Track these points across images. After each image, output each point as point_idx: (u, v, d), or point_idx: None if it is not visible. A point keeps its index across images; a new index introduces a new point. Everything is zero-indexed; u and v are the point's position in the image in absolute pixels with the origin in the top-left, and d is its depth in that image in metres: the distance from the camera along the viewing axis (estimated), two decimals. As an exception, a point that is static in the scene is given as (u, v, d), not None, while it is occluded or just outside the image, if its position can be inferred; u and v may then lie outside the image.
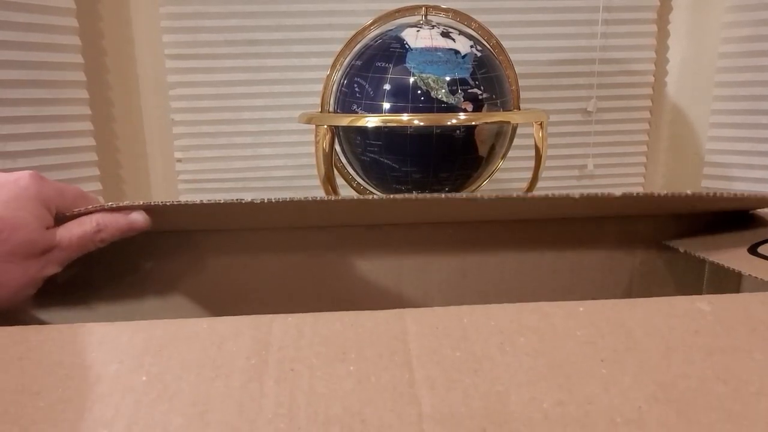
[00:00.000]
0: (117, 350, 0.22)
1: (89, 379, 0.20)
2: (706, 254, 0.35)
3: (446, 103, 0.59)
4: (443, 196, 0.31)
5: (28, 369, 0.21)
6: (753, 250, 0.34)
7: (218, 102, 0.88)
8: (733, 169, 0.91)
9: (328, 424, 0.19)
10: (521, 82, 0.70)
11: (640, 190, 0.49)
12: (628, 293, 0.41)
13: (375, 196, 0.33)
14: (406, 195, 0.32)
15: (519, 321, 0.23)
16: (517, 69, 0.69)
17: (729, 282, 0.40)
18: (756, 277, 0.30)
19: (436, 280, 0.41)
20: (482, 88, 0.61)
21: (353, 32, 0.67)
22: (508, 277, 0.41)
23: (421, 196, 0.31)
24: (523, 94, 0.72)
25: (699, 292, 0.42)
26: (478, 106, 0.60)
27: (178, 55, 0.86)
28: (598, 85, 0.93)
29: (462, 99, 0.59)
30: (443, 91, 0.59)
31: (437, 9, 0.67)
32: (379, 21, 0.67)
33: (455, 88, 0.59)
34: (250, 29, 0.86)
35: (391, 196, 0.32)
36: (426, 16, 0.67)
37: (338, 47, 0.67)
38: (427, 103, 0.59)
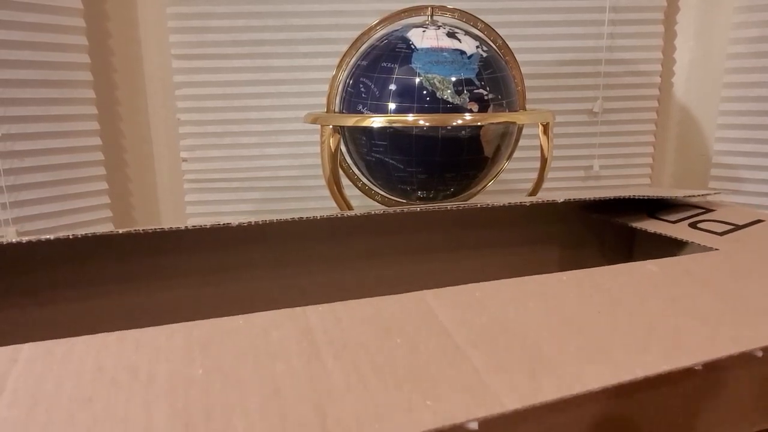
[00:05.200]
0: (158, 351, 0.22)
1: (140, 379, 0.20)
2: (608, 218, 0.45)
3: (452, 103, 0.59)
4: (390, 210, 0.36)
5: (66, 377, 0.20)
6: (652, 215, 0.45)
7: (224, 102, 0.88)
8: (740, 170, 0.91)
9: (400, 385, 0.21)
10: (527, 83, 0.70)
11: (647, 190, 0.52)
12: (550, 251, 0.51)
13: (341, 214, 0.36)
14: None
15: (522, 290, 0.27)
16: (523, 69, 0.69)
17: (624, 237, 0.52)
18: (646, 230, 0.42)
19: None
20: (488, 88, 0.60)
21: (359, 32, 0.67)
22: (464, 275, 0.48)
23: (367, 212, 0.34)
24: (529, 95, 0.71)
25: (602, 246, 0.53)
26: (483, 106, 0.60)
27: (185, 55, 0.86)
28: (605, 85, 0.93)
29: (468, 99, 0.59)
30: (449, 91, 0.59)
31: (443, 9, 0.67)
32: (384, 21, 0.67)
33: (461, 88, 0.59)
34: (257, 29, 0.86)
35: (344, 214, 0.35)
36: (432, 16, 0.67)
37: (344, 47, 0.67)
38: (433, 104, 0.59)
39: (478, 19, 0.68)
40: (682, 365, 0.23)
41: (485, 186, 0.72)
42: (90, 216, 0.82)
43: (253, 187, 0.91)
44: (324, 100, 0.68)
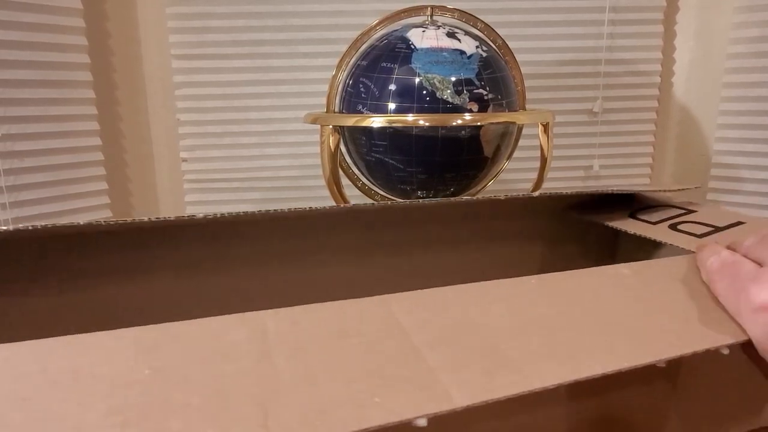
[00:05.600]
0: (105, 354, 0.21)
1: (81, 380, 0.20)
2: (595, 218, 0.45)
3: (452, 103, 0.59)
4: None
5: (7, 379, 0.20)
6: (633, 215, 0.45)
7: (224, 102, 0.88)
8: (740, 170, 0.91)
9: (351, 383, 0.21)
10: (527, 83, 0.70)
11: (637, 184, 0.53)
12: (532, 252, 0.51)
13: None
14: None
15: (487, 294, 0.27)
16: (523, 69, 0.69)
17: (608, 237, 0.52)
18: (632, 233, 0.41)
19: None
20: (488, 88, 0.60)
21: (359, 32, 0.67)
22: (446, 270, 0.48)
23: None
24: (528, 95, 0.71)
25: (590, 246, 0.53)
26: (483, 106, 0.60)
27: (185, 55, 0.86)
28: (605, 85, 0.93)
29: (467, 99, 0.59)
30: (449, 91, 0.59)
31: (443, 9, 0.67)
32: (384, 21, 0.67)
33: (461, 88, 0.59)
34: (257, 29, 0.86)
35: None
36: (431, 16, 0.67)
37: (344, 47, 0.67)
38: (433, 104, 0.59)
39: (478, 19, 0.68)
40: (644, 362, 0.23)
41: (485, 186, 0.72)
42: (90, 216, 0.82)
43: (253, 187, 0.91)
44: (324, 100, 0.68)
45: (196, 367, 0.21)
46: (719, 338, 0.25)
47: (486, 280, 0.47)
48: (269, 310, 0.24)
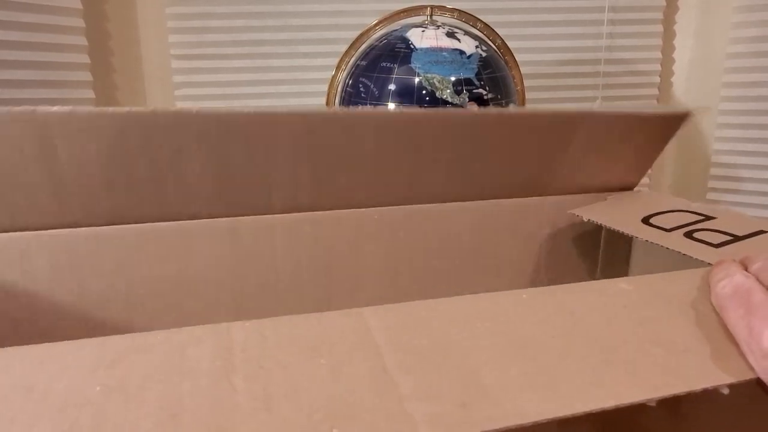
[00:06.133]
0: (62, 368, 0.20)
1: (33, 397, 0.19)
2: (604, 222, 0.43)
3: (451, 103, 0.59)
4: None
5: None
6: (646, 221, 0.42)
7: (224, 102, 0.88)
8: (740, 169, 0.91)
9: (311, 410, 0.19)
10: (527, 83, 0.70)
11: (646, 190, 0.51)
12: (537, 255, 0.48)
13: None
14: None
15: (473, 310, 0.25)
16: (523, 69, 0.69)
17: (621, 245, 0.49)
18: (644, 240, 0.38)
19: (365, 260, 0.43)
20: (487, 88, 0.60)
21: (358, 32, 0.67)
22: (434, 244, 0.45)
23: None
24: (528, 95, 0.71)
25: (596, 252, 0.50)
26: (483, 106, 0.60)
27: (184, 55, 0.86)
28: (604, 85, 0.93)
29: (467, 99, 0.59)
30: (448, 91, 0.59)
31: (442, 9, 0.67)
32: (384, 21, 0.67)
33: (460, 88, 0.59)
34: (256, 30, 0.86)
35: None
36: (431, 16, 0.67)
37: (344, 47, 0.67)
38: (432, 103, 0.59)
39: (478, 19, 0.68)
40: (633, 400, 0.21)
41: (485, 186, 0.72)
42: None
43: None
44: (323, 100, 0.68)
45: (153, 385, 0.20)
46: (720, 376, 0.23)
47: (486, 281, 0.45)
48: (238, 322, 0.23)
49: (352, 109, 0.36)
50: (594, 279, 0.51)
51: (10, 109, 0.30)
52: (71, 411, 0.19)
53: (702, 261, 0.34)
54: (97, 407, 0.19)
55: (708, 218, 0.41)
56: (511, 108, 0.41)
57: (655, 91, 0.95)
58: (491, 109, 0.41)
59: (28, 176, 0.33)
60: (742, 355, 0.24)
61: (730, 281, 0.27)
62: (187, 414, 0.19)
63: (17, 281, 0.35)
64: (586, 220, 0.44)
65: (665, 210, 0.44)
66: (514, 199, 0.46)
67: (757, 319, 0.24)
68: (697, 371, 0.23)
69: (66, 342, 0.22)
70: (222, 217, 0.39)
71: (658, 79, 0.94)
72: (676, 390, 0.22)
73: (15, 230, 0.35)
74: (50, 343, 0.21)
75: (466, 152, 0.41)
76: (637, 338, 0.24)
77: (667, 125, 0.47)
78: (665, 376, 0.22)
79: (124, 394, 0.19)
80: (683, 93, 0.97)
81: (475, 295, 0.26)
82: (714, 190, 0.93)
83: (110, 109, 0.32)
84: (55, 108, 0.31)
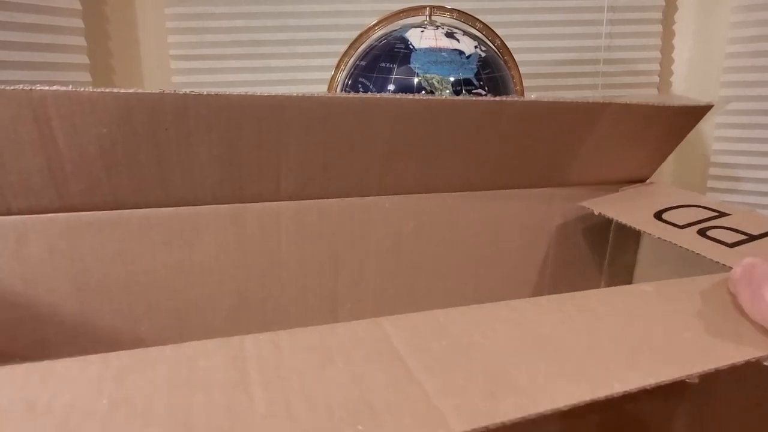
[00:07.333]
0: (67, 383, 0.20)
1: (35, 412, 0.18)
2: (615, 215, 0.42)
3: (450, 103, 0.59)
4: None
5: None
6: (658, 216, 0.41)
7: (223, 102, 0.88)
8: (739, 169, 0.91)
9: (333, 411, 0.19)
10: (526, 83, 0.70)
11: (659, 182, 0.50)
12: (546, 246, 0.47)
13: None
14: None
15: (492, 315, 0.25)
16: (522, 69, 0.69)
17: (630, 239, 0.48)
18: (654, 235, 0.38)
19: (373, 250, 0.42)
20: (487, 88, 0.60)
21: (358, 33, 0.67)
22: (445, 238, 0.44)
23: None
24: (527, 95, 0.71)
25: (605, 245, 0.50)
26: (482, 106, 0.60)
27: (184, 55, 0.86)
28: (603, 85, 0.93)
29: (466, 99, 0.59)
30: (447, 91, 0.59)
31: (442, 9, 0.67)
32: (383, 21, 0.67)
33: (459, 88, 0.59)
34: (255, 30, 0.86)
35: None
36: (430, 16, 0.67)
37: (343, 48, 0.67)
38: (432, 104, 0.59)
39: (477, 19, 0.68)
40: (674, 377, 0.21)
41: (484, 186, 0.72)
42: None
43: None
44: (323, 101, 0.68)
45: (162, 397, 0.19)
46: (751, 353, 0.23)
47: (490, 278, 0.44)
48: (250, 335, 0.22)
49: (368, 94, 0.35)
50: (601, 272, 0.51)
51: (4, 89, 0.29)
52: (74, 426, 0.18)
53: (716, 262, 0.33)
54: (103, 421, 0.18)
55: (722, 215, 0.40)
56: (534, 96, 0.40)
57: (654, 91, 0.95)
58: (512, 98, 0.40)
59: (25, 158, 0.32)
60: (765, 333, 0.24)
61: (740, 264, 0.27)
62: (200, 422, 0.18)
63: (13, 267, 0.34)
64: (597, 213, 0.43)
65: (678, 204, 0.43)
66: (525, 189, 0.45)
67: (756, 283, 0.25)
68: (732, 349, 0.23)
69: (69, 359, 0.21)
70: (228, 203, 0.38)
71: (657, 79, 0.94)
72: (718, 364, 0.22)
73: (10, 214, 0.33)
74: (51, 360, 0.21)
75: (483, 141, 0.40)
76: (664, 328, 0.24)
77: (688, 117, 0.46)
78: (701, 355, 0.22)
79: (131, 407, 0.19)
80: (682, 93, 0.97)
81: (493, 303, 0.26)
82: (713, 189, 0.93)
83: (114, 89, 0.31)
84: (54, 87, 0.30)
